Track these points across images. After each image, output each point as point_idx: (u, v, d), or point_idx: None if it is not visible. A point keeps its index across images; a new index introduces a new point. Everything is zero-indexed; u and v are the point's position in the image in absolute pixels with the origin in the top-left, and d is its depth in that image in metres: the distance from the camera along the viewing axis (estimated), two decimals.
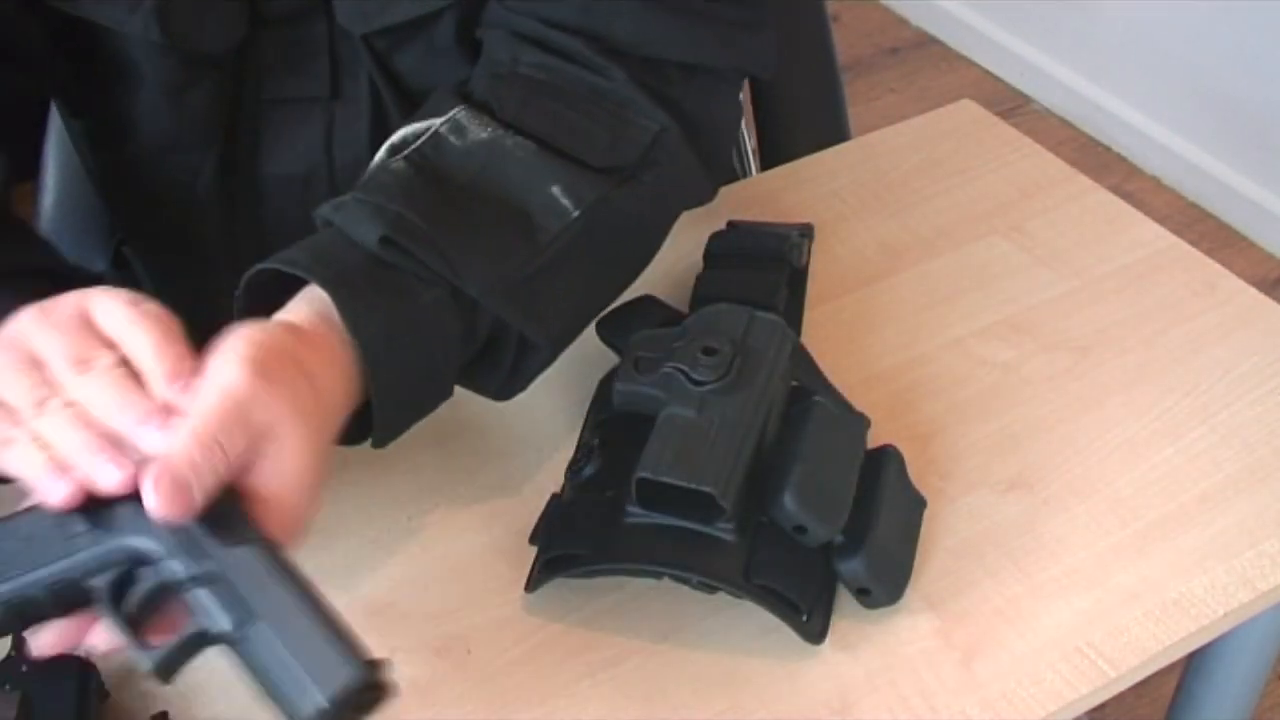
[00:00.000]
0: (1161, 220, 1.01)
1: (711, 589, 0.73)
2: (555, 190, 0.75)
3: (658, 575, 0.73)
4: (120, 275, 1.07)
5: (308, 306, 0.67)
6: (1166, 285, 0.95)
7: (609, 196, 0.77)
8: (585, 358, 0.88)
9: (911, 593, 0.74)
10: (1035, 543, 0.78)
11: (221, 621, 0.57)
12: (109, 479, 0.57)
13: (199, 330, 1.02)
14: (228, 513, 0.59)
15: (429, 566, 0.77)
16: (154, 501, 0.56)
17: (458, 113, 0.77)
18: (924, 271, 0.96)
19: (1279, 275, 2.27)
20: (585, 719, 0.70)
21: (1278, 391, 0.87)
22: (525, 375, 0.78)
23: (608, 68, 0.79)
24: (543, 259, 0.74)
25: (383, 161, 0.74)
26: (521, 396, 0.86)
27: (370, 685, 0.56)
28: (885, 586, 0.73)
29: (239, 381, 0.59)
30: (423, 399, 0.72)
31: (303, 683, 0.55)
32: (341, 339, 0.66)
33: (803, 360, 0.82)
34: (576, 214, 0.75)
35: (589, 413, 0.84)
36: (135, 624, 0.58)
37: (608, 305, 0.84)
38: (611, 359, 0.83)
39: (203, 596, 0.57)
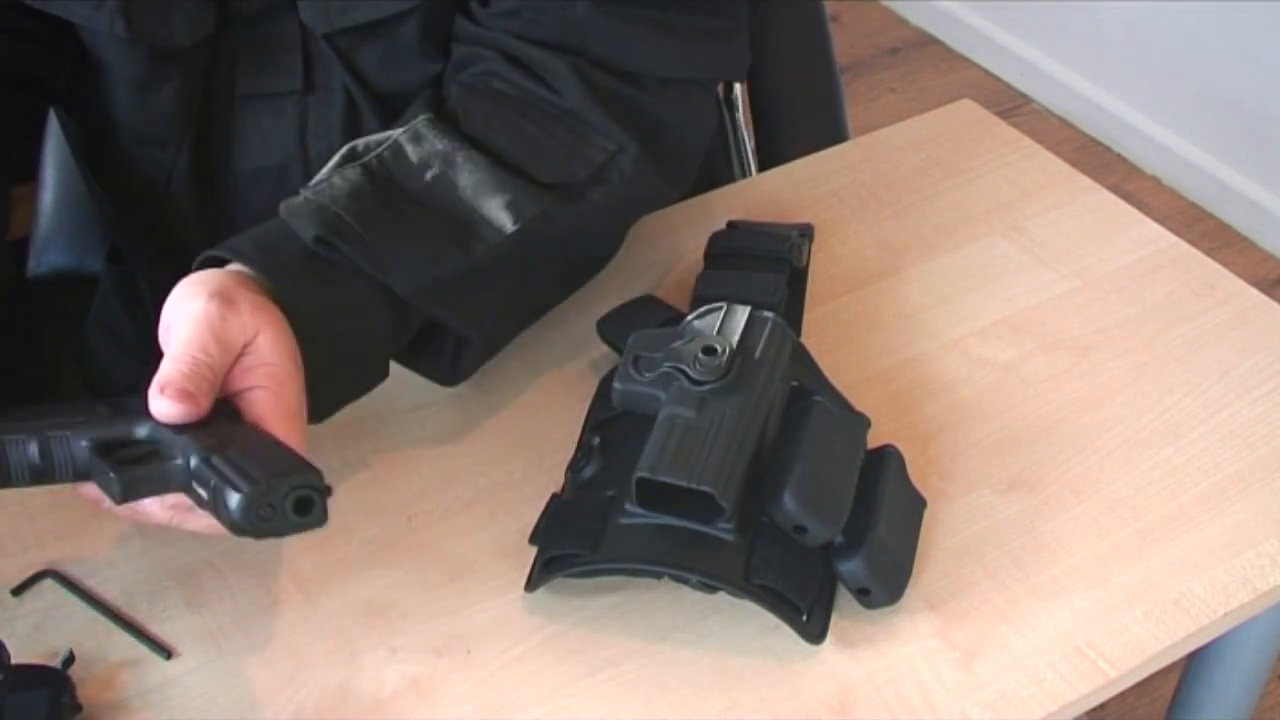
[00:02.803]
0: (1161, 220, 1.01)
1: (711, 589, 0.73)
2: (498, 204, 0.80)
3: (658, 575, 0.73)
4: (116, 271, 1.08)
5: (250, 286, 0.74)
6: (1166, 285, 0.95)
7: (551, 212, 0.81)
8: (585, 358, 0.88)
9: (911, 593, 0.74)
10: (1035, 543, 0.78)
11: (188, 456, 0.65)
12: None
13: None
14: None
15: (429, 566, 0.77)
16: (164, 406, 0.66)
17: (419, 122, 0.81)
18: (924, 271, 0.96)
19: (1279, 275, 2.27)
20: (585, 719, 0.70)
21: (1278, 391, 0.87)
22: (466, 364, 0.83)
23: (575, 87, 0.83)
24: (473, 266, 0.78)
25: (339, 166, 0.79)
26: (521, 397, 0.86)
27: (298, 487, 0.63)
28: (885, 586, 0.73)
29: (203, 306, 0.69)
30: (354, 378, 0.78)
31: (235, 483, 0.63)
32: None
33: (803, 360, 0.82)
34: (515, 228, 0.79)
35: (589, 413, 0.84)
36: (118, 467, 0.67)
37: (549, 306, 0.88)
38: (611, 359, 0.83)
39: (178, 443, 0.66)
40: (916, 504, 0.78)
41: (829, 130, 1.22)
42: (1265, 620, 0.85)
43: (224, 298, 0.69)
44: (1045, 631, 0.73)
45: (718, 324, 0.77)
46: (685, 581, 0.73)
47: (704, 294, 0.86)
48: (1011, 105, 2.61)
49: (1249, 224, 2.34)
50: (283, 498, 0.63)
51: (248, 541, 0.77)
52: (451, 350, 0.82)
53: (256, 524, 0.63)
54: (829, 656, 0.72)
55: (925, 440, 0.83)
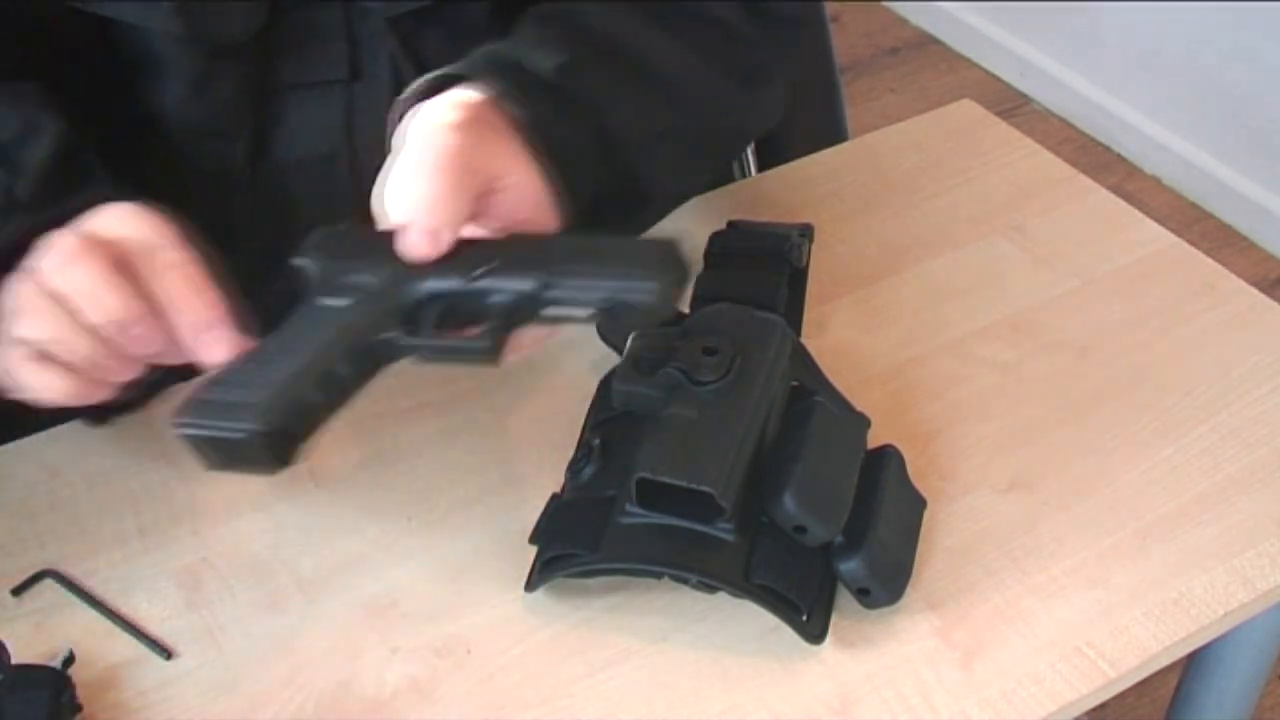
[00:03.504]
0: (1161, 220, 1.01)
1: (711, 589, 0.73)
2: (695, 81, 0.82)
3: (658, 575, 0.73)
4: None
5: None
6: (1166, 285, 0.95)
7: (732, 99, 0.85)
8: (585, 358, 0.88)
9: (911, 593, 0.74)
10: (1035, 543, 0.78)
11: (526, 285, 0.65)
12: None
13: None
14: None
15: (429, 566, 0.77)
16: (415, 246, 0.66)
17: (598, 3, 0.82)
18: (924, 271, 0.96)
19: (1279, 275, 2.27)
20: (585, 719, 0.70)
21: (1278, 391, 0.87)
22: (631, 230, 0.83)
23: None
24: (673, 130, 0.81)
25: (533, 21, 0.79)
26: (522, 397, 0.86)
27: (677, 258, 0.65)
28: (885, 586, 0.73)
29: (452, 139, 0.67)
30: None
31: (630, 285, 0.64)
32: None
33: (803, 360, 0.82)
34: (709, 100, 0.83)
35: (589, 413, 0.83)
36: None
37: (700, 188, 0.94)
38: (612, 359, 0.83)
39: (496, 283, 0.66)
40: (916, 504, 0.78)
41: (829, 130, 1.22)
42: (1265, 620, 0.85)
43: (475, 131, 0.67)
44: (1045, 631, 0.73)
45: (718, 324, 0.77)
46: (685, 581, 0.73)
47: (704, 294, 0.86)
48: (1011, 105, 2.62)
49: (1249, 224, 2.34)
50: (674, 269, 0.65)
51: (247, 541, 0.77)
52: (619, 217, 0.82)
53: (668, 306, 0.65)
54: (829, 656, 0.72)
55: (925, 440, 0.83)
